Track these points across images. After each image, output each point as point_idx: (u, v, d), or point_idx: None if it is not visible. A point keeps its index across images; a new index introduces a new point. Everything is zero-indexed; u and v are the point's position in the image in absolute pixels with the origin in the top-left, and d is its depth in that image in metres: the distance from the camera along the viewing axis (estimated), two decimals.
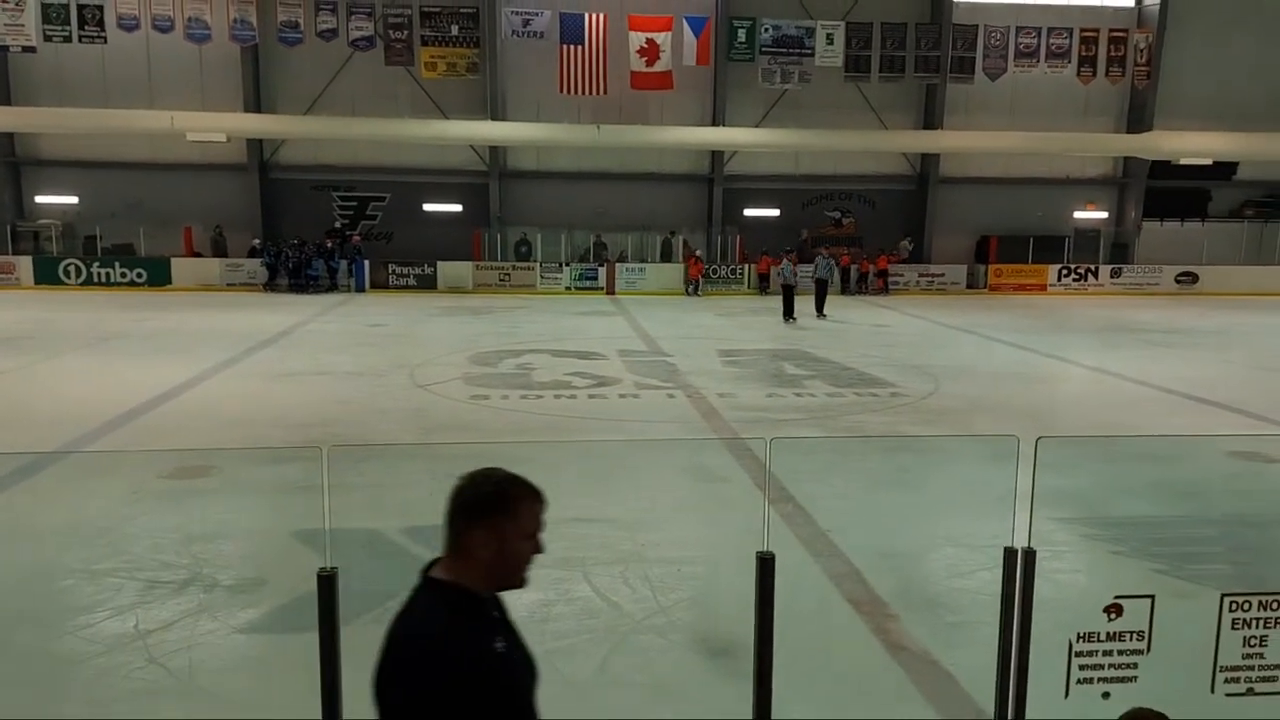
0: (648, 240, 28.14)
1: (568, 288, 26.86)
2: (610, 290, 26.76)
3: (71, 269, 25.54)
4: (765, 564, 3.21)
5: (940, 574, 6.41)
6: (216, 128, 25.65)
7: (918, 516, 7.77)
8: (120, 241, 26.67)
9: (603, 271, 27.05)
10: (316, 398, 11.86)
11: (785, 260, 21.58)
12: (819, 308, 21.08)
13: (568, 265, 27.22)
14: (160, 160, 26.97)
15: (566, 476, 8.28)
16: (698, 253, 27.21)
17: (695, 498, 7.92)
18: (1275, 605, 3.26)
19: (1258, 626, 3.25)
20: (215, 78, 26.71)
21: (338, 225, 27.28)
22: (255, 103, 26.78)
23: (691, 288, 26.61)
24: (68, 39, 24.51)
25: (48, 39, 24.42)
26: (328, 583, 3.04)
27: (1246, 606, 3.26)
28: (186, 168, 27.14)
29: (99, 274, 25.58)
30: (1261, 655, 3.26)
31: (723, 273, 27.51)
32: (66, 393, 12.10)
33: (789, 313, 20.59)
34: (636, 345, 16.81)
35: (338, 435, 9.77)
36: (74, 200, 27.13)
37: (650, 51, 25.70)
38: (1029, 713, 3.40)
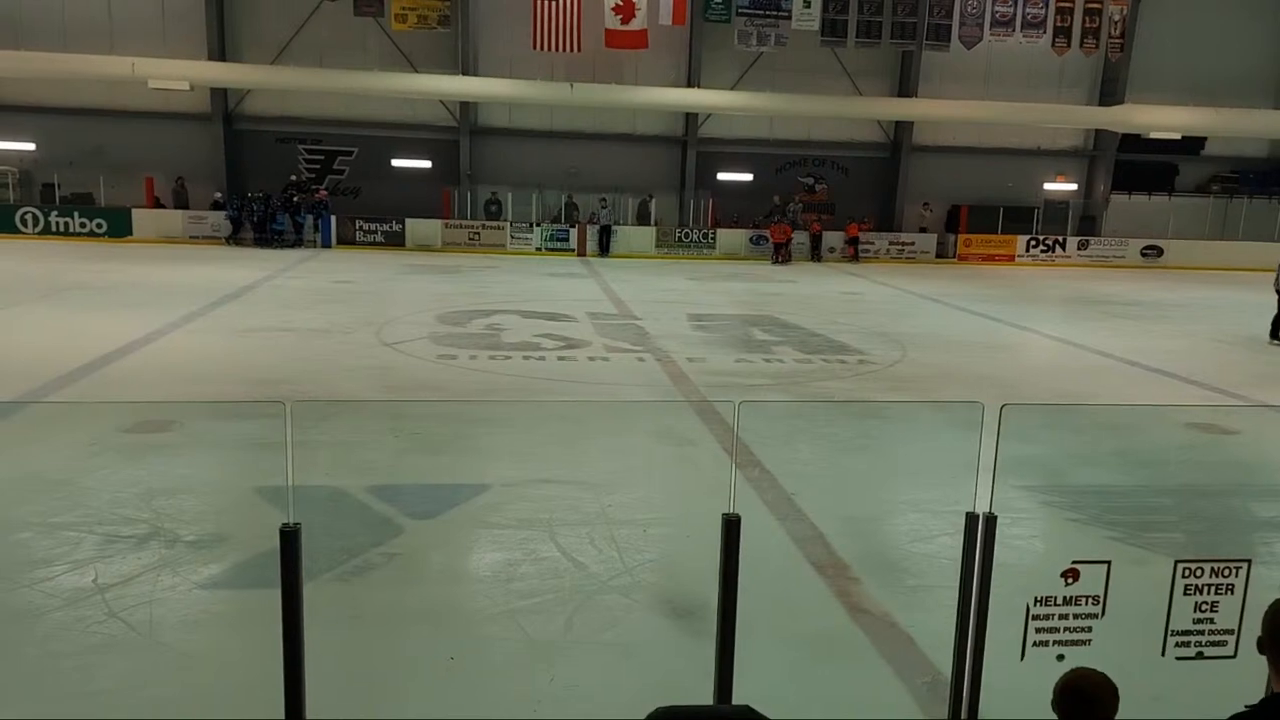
0: (620, 202, 27.94)
1: (538, 248, 26.67)
2: (581, 252, 26.61)
3: (29, 218, 24.90)
4: (731, 526, 3.22)
5: (902, 538, 6.50)
6: (179, 75, 24.96)
7: (882, 481, 7.86)
8: (80, 190, 26.04)
9: (574, 233, 26.87)
10: (281, 354, 11.72)
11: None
12: None
13: (538, 225, 26.99)
14: (121, 107, 26.24)
15: (534, 438, 8.29)
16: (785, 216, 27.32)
17: (662, 460, 7.93)
18: (1226, 572, 3.33)
19: (1209, 593, 3.32)
20: (178, 24, 25.96)
21: (294, 179, 26.67)
22: (220, 51, 26.09)
23: (778, 256, 26.34)
24: None
25: None
26: (291, 539, 3.01)
27: (1199, 573, 3.32)
28: (148, 116, 26.42)
29: (57, 223, 24.97)
30: (1212, 620, 3.34)
31: (694, 237, 27.43)
32: (23, 344, 11.84)
33: None
34: (607, 308, 16.75)
35: (302, 392, 9.66)
36: (31, 147, 26.35)
37: (626, 9, 25.30)
38: (986, 674, 3.47)
